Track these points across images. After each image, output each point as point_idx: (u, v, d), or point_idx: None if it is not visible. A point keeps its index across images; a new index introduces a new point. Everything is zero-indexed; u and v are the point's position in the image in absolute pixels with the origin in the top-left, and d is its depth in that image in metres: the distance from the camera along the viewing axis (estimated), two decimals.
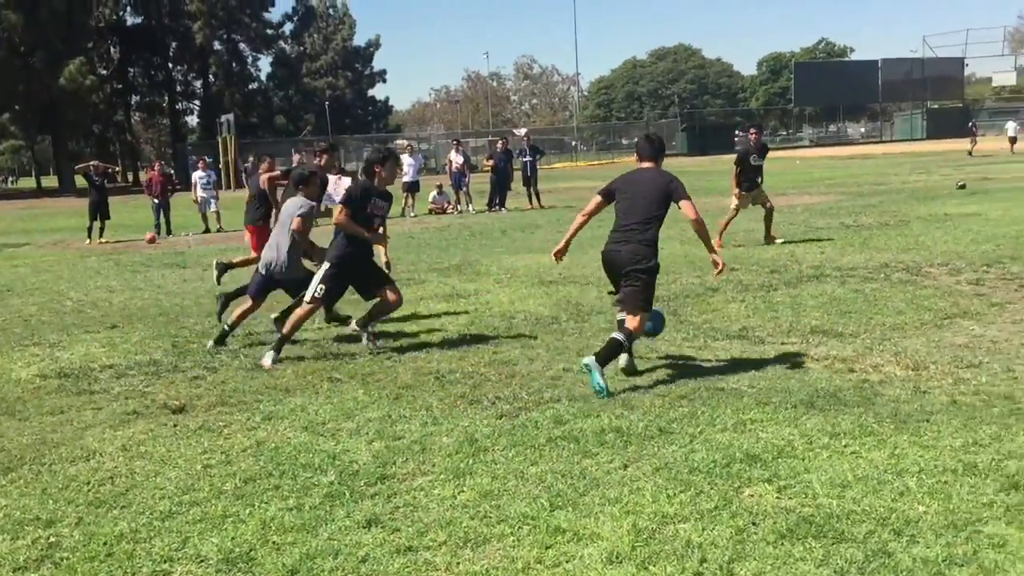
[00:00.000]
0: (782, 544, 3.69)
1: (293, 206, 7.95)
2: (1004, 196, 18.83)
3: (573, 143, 75.23)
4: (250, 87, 73.65)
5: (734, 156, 14.45)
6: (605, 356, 6.11)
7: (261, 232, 10.01)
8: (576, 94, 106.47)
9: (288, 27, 77.42)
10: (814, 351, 6.89)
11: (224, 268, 10.35)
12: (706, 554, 3.63)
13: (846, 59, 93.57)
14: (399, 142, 75.28)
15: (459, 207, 23.59)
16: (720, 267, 6.66)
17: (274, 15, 73.97)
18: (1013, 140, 40.32)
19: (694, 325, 8.04)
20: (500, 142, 25.39)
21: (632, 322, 6.28)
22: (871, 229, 14.39)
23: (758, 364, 6.57)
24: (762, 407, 5.47)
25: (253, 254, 10.10)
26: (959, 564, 3.46)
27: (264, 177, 10.36)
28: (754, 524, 3.88)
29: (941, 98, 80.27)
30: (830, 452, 4.67)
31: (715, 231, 12.43)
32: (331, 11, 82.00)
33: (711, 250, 6.69)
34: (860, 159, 43.62)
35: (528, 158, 23.73)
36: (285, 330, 7.50)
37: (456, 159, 23.69)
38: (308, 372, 6.97)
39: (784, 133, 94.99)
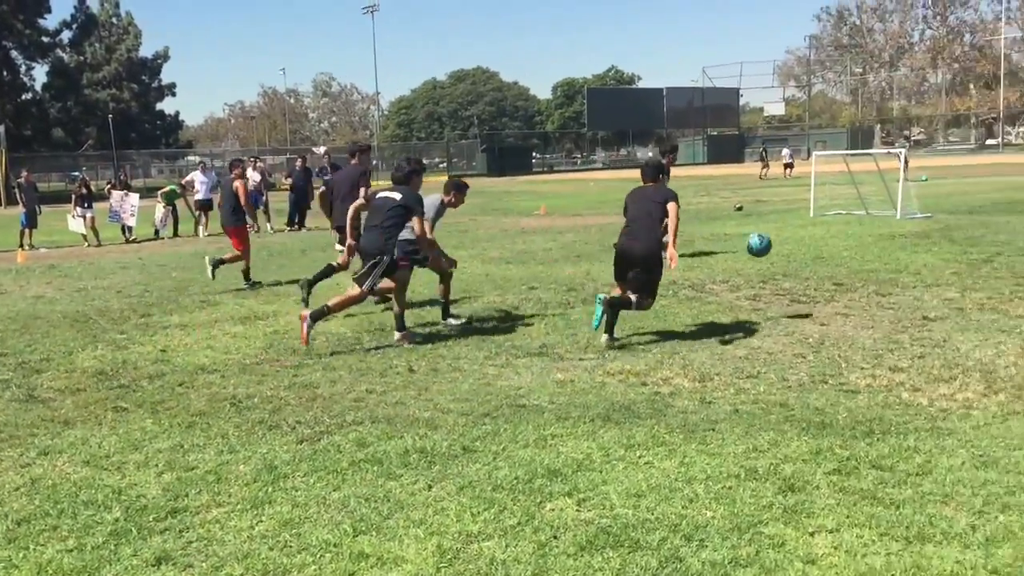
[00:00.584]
0: (582, 556, 3.79)
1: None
2: (775, 218, 20.34)
3: (374, 162, 74.84)
4: (23, 97, 68.48)
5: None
6: (616, 303, 7.86)
7: (240, 232, 12.52)
8: (376, 113, 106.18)
9: (67, 35, 72.58)
10: (610, 366, 7.15)
11: (217, 263, 12.20)
12: (510, 570, 3.67)
13: (634, 86, 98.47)
14: (191, 158, 72.36)
15: (256, 226, 22.88)
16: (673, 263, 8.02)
17: (51, 22, 69.36)
18: (789, 166, 43.72)
19: (496, 343, 8.15)
20: (299, 160, 24.87)
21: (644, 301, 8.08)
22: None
23: (558, 380, 6.75)
24: (562, 422, 5.61)
25: (237, 251, 12.45)
26: (743, 565, 3.67)
27: (239, 184, 12.45)
28: (555, 538, 3.96)
29: (720, 125, 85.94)
30: (626, 463, 4.85)
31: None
32: (114, 20, 77.67)
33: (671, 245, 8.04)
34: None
35: (329, 177, 23.36)
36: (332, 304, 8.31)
37: (253, 177, 22.94)
38: (91, 402, 6.52)
39: (579, 156, 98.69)
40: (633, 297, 7.99)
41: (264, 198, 22.98)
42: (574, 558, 3.77)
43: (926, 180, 31.10)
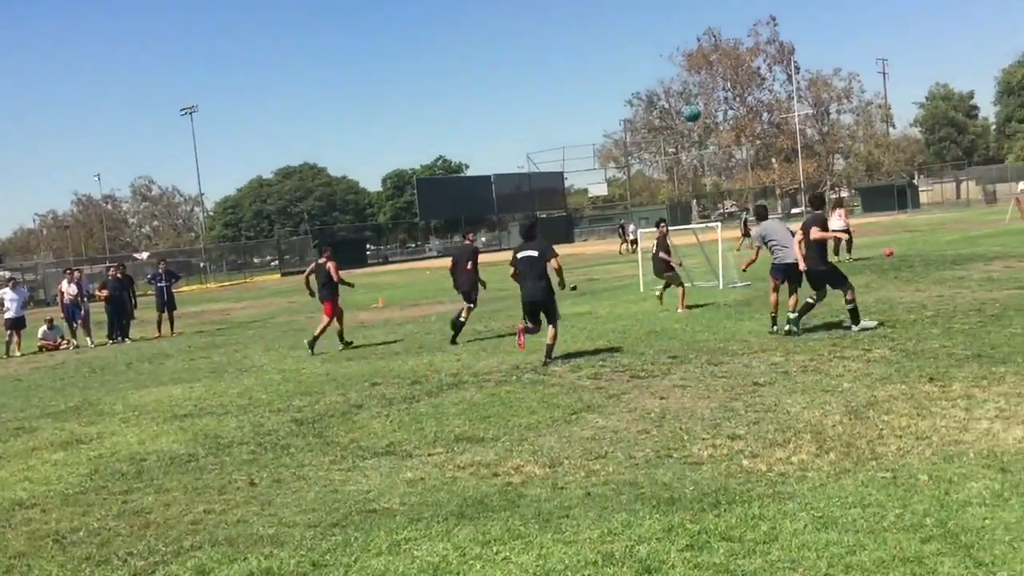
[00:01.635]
0: None
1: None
2: (609, 295, 20.97)
3: (202, 264, 72.65)
4: None
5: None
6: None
7: (330, 304, 15.43)
8: (201, 214, 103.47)
9: None
10: (459, 459, 7.06)
11: (313, 341, 14.87)
12: None
13: (462, 175, 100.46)
14: (2, 274, 67.97)
15: (75, 342, 21.59)
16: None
17: None
18: (634, 242, 45.15)
19: (341, 445, 7.92)
20: (112, 269, 23.76)
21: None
22: (500, 333, 15.25)
23: (408, 479, 6.59)
24: (415, 524, 5.46)
25: (325, 321, 15.36)
26: None
27: (332, 266, 15.65)
28: None
29: (547, 207, 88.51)
30: (483, 562, 4.75)
31: None
32: None
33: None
34: (484, 267, 46.38)
35: (163, 283, 22.43)
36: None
37: (69, 290, 21.74)
38: None
39: (413, 245, 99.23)
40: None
41: (83, 311, 21.78)
42: None
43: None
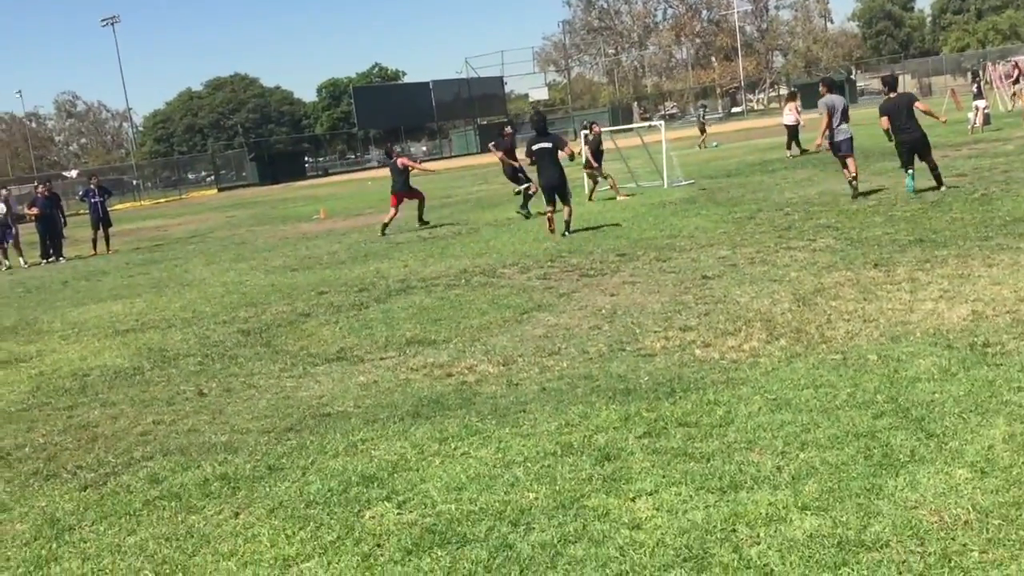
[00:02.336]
0: (410, 560, 3.62)
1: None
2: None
3: (134, 182, 70.66)
4: None
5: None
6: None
7: (400, 196, 17.65)
8: (131, 130, 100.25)
9: None
10: (412, 362, 7.00)
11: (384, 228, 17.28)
12: None
13: (400, 82, 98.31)
14: None
15: (7, 263, 20.93)
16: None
17: None
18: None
19: (290, 354, 7.80)
20: (40, 187, 22.93)
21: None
22: (447, 239, 15.12)
23: (361, 383, 6.52)
24: (371, 425, 5.41)
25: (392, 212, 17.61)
26: (572, 541, 3.63)
27: (404, 160, 18.23)
28: (379, 546, 3.78)
29: (488, 114, 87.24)
30: (442, 458, 4.73)
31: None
32: None
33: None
34: (425, 176, 45.93)
35: (96, 199, 21.71)
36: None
37: None
38: None
39: (352, 156, 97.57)
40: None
41: (15, 231, 21.07)
42: (402, 564, 3.60)
43: (717, 146, 32.99)
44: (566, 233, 13.29)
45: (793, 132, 23.46)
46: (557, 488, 4.15)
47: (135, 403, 6.73)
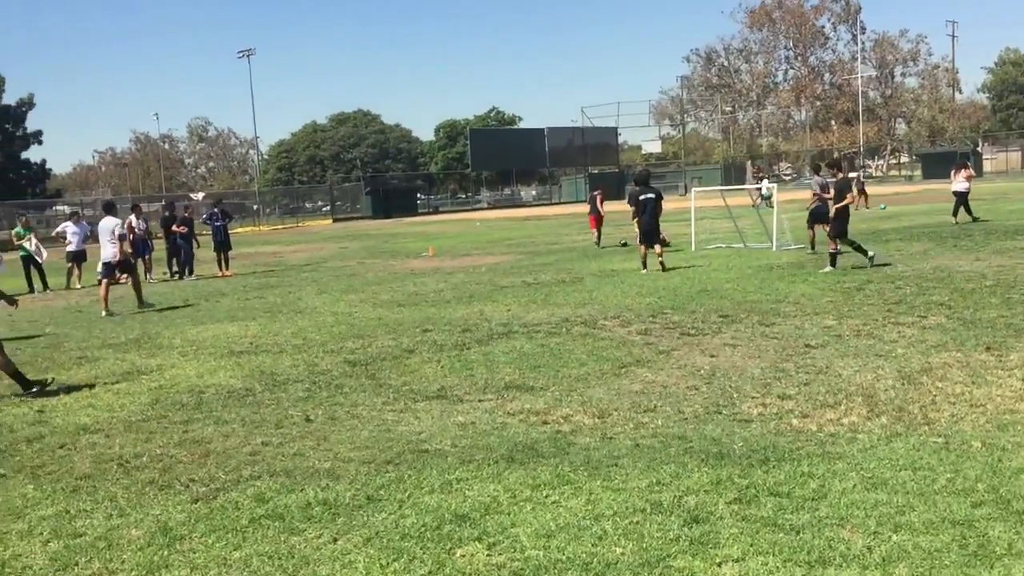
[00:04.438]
0: None
1: None
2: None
3: (255, 207, 73.48)
4: None
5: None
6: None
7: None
8: (256, 157, 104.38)
9: None
10: (509, 406, 7.16)
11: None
12: None
13: (515, 127, 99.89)
14: (60, 208, 69.50)
15: (152, 277, 22.09)
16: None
17: None
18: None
19: (393, 388, 8.07)
20: (189, 209, 24.17)
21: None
22: (550, 286, 15.32)
23: (459, 423, 6.71)
24: (466, 465, 5.58)
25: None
26: None
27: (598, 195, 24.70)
28: None
29: (600, 163, 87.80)
30: (533, 504, 4.85)
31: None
32: None
33: None
34: (534, 220, 46.51)
35: (219, 222, 22.79)
36: None
37: (138, 225, 22.11)
38: None
39: (463, 196, 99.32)
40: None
41: (151, 246, 22.32)
42: None
43: (885, 208, 32.63)
44: (661, 268, 16.37)
45: (962, 199, 23.05)
46: (644, 545, 4.22)
47: (246, 423, 7.07)
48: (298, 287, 18.10)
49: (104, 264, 15.70)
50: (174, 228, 22.60)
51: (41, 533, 4.85)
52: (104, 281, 15.60)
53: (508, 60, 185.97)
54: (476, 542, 4.36)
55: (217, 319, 13.62)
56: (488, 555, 4.21)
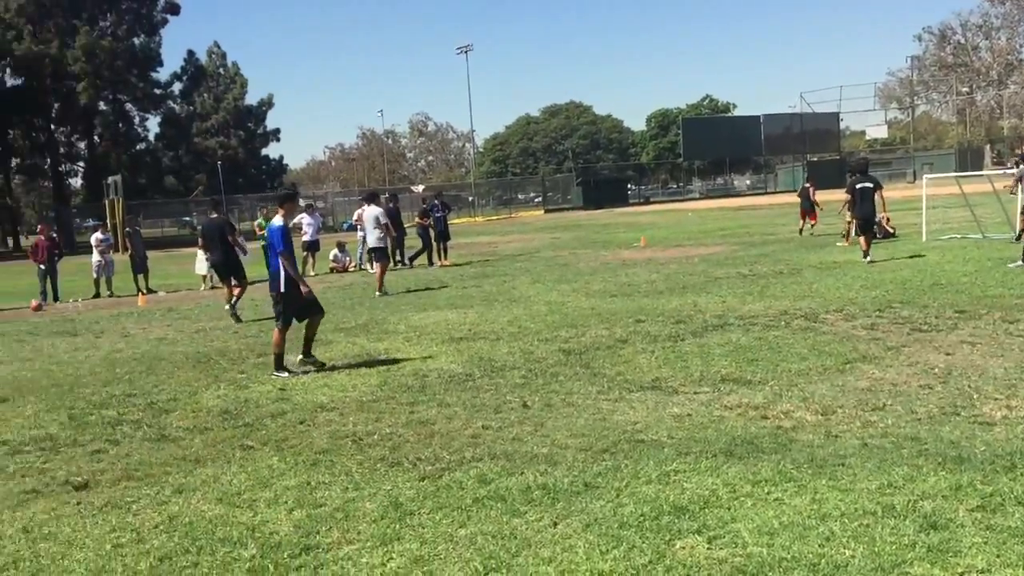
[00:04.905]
0: None
1: None
2: (885, 243, 19.72)
3: (471, 199, 75.83)
4: (138, 147, 71.94)
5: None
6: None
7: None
8: (472, 150, 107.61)
9: (177, 86, 76.13)
10: (726, 399, 7.03)
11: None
12: None
13: (730, 115, 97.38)
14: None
15: (367, 266, 23.31)
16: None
17: (162, 74, 72.56)
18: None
19: (608, 377, 8.11)
20: (437, 198, 25.12)
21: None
22: (767, 278, 14.86)
23: (675, 415, 6.66)
24: (683, 457, 5.53)
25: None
26: None
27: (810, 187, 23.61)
28: None
29: (819, 151, 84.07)
30: (754, 500, 4.74)
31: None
32: (221, 70, 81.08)
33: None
34: (748, 210, 45.23)
35: (440, 213, 23.72)
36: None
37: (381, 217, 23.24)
38: (218, 440, 6.74)
39: (675, 186, 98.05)
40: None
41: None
42: None
43: None
44: (869, 260, 15.85)
45: None
46: (876, 550, 4.03)
47: (467, 407, 7.34)
48: (512, 276, 18.52)
49: (372, 250, 17.87)
50: (417, 220, 23.56)
51: (286, 502, 5.24)
52: (379, 264, 17.40)
53: (723, 46, 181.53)
54: (696, 535, 4.32)
55: (438, 306, 14.18)
56: (708, 549, 4.16)
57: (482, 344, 10.33)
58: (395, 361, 9.61)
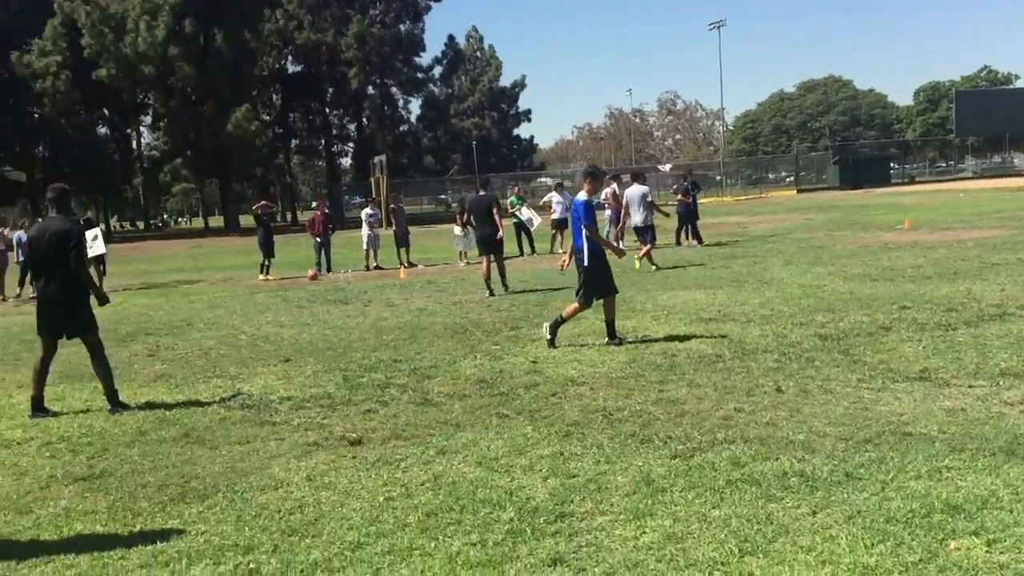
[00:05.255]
0: None
1: None
2: None
3: (718, 178, 74.16)
4: (401, 129, 76.21)
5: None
6: None
7: None
8: (721, 128, 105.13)
9: (437, 70, 79.97)
10: (1006, 395, 6.48)
11: None
12: None
13: (1012, 87, 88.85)
14: (543, 180, 76.22)
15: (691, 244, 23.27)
16: None
17: (424, 59, 76.44)
18: None
19: (869, 365, 7.71)
20: (687, 177, 24.82)
21: None
22: None
23: (946, 408, 6.23)
24: (957, 454, 5.17)
25: None
26: None
27: None
28: None
29: None
30: None
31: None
32: (478, 54, 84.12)
33: None
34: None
35: (692, 193, 23.31)
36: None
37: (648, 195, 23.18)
38: (476, 407, 7.06)
39: (944, 164, 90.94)
40: None
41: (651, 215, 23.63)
42: None
43: None
44: None
45: None
46: None
47: (717, 388, 7.23)
48: (763, 258, 17.96)
49: (639, 228, 18.34)
50: (680, 198, 23.16)
51: (540, 470, 5.42)
52: (648, 242, 17.85)
53: (1004, 11, 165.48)
54: (973, 536, 4.04)
55: (685, 286, 14.03)
56: (987, 552, 3.88)
57: (732, 326, 10.12)
58: (643, 340, 9.63)
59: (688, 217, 22.98)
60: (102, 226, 29.75)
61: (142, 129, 75.07)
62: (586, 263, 9.45)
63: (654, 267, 16.88)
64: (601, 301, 9.62)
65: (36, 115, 62.07)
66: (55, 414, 7.58)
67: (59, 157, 63.37)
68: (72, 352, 9.02)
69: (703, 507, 4.63)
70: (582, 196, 9.67)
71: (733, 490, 4.84)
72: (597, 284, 9.53)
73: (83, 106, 61.83)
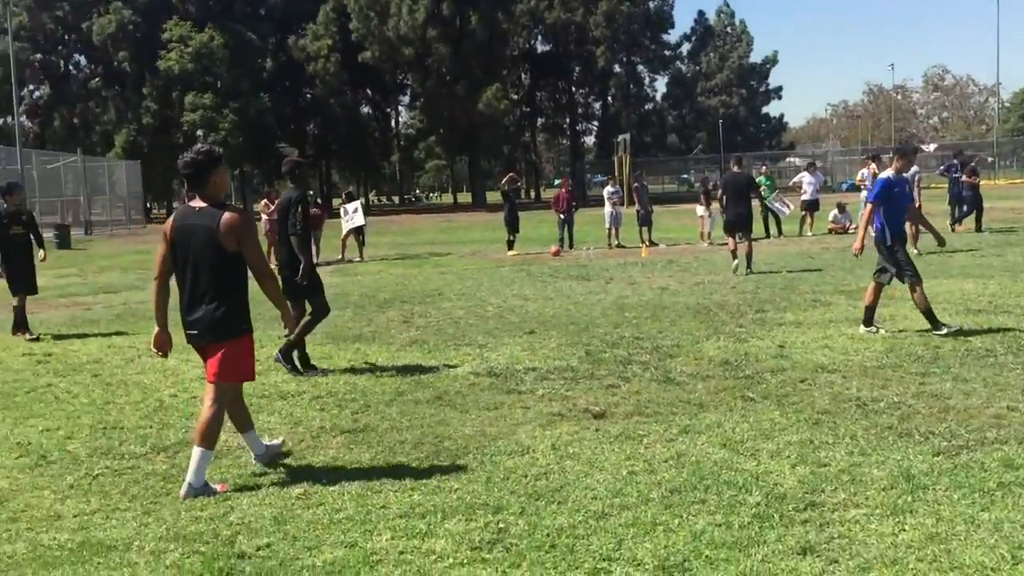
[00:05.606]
0: None
1: None
2: None
3: (990, 159, 68.06)
4: (646, 107, 75.67)
5: None
6: None
7: None
8: (996, 105, 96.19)
9: (685, 47, 78.60)
10: None
11: None
12: None
13: None
14: (792, 160, 73.24)
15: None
16: None
17: (672, 36, 75.31)
18: None
19: None
20: (956, 157, 23.13)
21: None
22: None
23: None
24: None
25: None
26: None
27: None
28: None
29: None
30: None
31: None
32: (728, 29, 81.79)
33: None
34: None
35: (955, 174, 21.66)
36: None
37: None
38: (720, 389, 6.94)
39: None
40: None
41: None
42: None
43: None
44: None
45: None
46: None
47: (987, 384, 6.69)
48: None
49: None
50: (966, 179, 21.54)
51: (788, 456, 5.25)
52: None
53: None
54: None
55: (950, 274, 13.06)
56: None
57: (1004, 318, 9.33)
58: (901, 328, 9.06)
59: (972, 202, 21.24)
60: (362, 199, 31.72)
61: (400, 108, 79.34)
62: (888, 242, 8.93)
63: (915, 251, 15.72)
64: (872, 285, 9.11)
65: (309, 95, 67.20)
66: (324, 372, 8.21)
67: (327, 134, 68.32)
68: (336, 315, 9.73)
69: (970, 508, 4.31)
70: (886, 173, 9.14)
71: (1005, 493, 4.47)
72: (907, 260, 8.99)
73: (349, 87, 66.23)
